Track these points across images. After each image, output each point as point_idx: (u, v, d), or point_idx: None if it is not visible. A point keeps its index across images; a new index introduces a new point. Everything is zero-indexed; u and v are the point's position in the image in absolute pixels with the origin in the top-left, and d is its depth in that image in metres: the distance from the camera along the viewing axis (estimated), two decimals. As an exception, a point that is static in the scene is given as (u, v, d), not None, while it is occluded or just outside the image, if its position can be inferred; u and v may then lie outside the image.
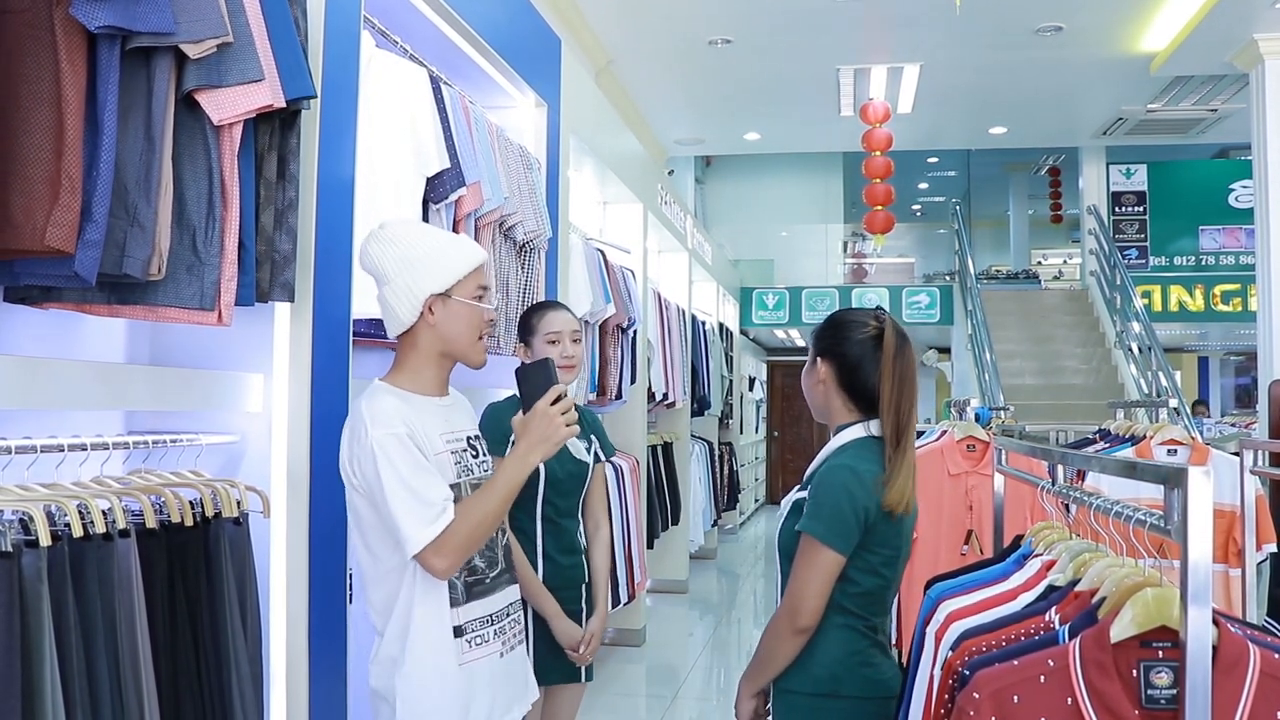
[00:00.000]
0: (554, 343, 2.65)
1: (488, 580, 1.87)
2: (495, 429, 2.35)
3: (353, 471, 1.77)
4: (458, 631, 1.81)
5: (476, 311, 1.86)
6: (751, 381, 11.86)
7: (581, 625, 2.61)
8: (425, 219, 2.66)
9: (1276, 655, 1.21)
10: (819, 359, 1.94)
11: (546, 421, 1.78)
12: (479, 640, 1.84)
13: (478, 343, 1.88)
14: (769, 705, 1.92)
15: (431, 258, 1.82)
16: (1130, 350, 9.07)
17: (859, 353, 1.90)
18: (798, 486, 1.94)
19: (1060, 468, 1.85)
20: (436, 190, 2.67)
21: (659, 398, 6.34)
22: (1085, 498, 1.56)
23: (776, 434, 14.60)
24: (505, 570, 1.93)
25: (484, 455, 1.98)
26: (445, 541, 1.71)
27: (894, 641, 3.11)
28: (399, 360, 1.88)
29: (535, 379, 1.84)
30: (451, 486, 1.81)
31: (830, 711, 1.81)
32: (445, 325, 1.84)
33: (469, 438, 1.94)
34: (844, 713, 1.80)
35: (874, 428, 1.90)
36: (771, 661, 1.86)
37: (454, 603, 1.81)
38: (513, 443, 1.88)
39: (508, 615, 1.92)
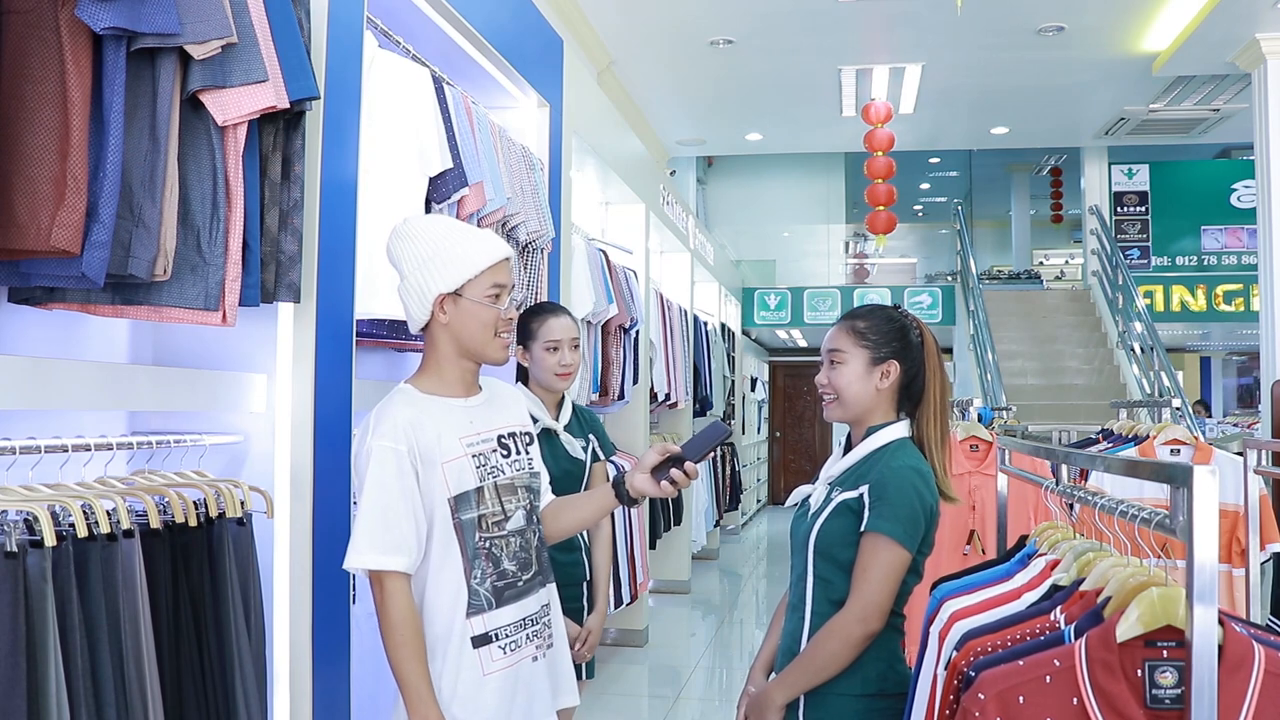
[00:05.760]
0: (553, 350, 2.60)
1: (520, 583, 1.83)
2: None
3: (354, 467, 1.79)
4: (481, 640, 1.76)
5: (489, 311, 1.81)
6: (753, 382, 11.86)
7: (582, 623, 2.61)
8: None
9: (1282, 654, 1.21)
10: (891, 360, 1.89)
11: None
12: (513, 646, 1.80)
13: (494, 340, 1.83)
14: (800, 713, 1.85)
15: (443, 256, 1.79)
16: (1132, 350, 9.06)
17: (920, 354, 1.91)
18: (831, 485, 1.89)
19: (1064, 467, 1.85)
20: (439, 190, 2.67)
21: (661, 398, 6.33)
22: (1090, 497, 1.56)
23: (779, 434, 14.58)
24: (539, 571, 1.89)
25: (520, 452, 1.91)
26: (382, 584, 1.71)
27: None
28: (423, 359, 1.88)
29: (709, 437, 1.84)
30: (474, 491, 1.79)
31: (880, 712, 1.79)
32: (457, 324, 1.81)
33: (501, 436, 1.89)
34: (889, 711, 1.79)
35: (908, 427, 1.92)
36: (828, 669, 1.78)
37: (476, 610, 1.77)
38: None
39: (542, 617, 1.88)
